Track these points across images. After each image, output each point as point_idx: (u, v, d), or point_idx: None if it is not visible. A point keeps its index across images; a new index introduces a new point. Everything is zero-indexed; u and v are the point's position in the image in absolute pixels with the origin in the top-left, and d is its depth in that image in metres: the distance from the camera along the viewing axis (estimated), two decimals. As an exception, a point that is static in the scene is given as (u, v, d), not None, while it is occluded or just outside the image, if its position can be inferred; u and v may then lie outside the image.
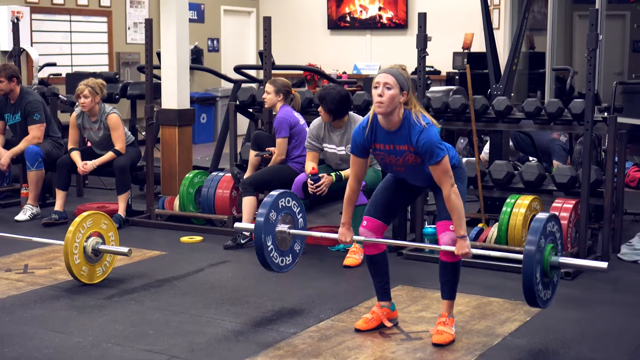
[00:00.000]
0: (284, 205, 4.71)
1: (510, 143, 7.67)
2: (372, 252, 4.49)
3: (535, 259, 4.00)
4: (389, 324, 4.54)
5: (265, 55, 6.91)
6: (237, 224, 5.09)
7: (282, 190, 4.75)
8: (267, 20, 6.85)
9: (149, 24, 7.16)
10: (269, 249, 4.62)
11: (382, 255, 4.51)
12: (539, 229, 4.06)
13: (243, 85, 8.37)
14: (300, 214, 4.83)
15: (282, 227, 4.69)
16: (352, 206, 4.45)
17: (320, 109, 6.11)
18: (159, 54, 7.74)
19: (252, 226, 4.71)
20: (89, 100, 7.01)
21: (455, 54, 12.64)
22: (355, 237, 4.49)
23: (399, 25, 13.81)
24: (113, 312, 4.81)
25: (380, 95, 4.10)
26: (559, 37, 11.92)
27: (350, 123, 6.11)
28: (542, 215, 4.15)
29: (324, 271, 5.73)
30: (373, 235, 4.43)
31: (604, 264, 4.21)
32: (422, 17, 6.27)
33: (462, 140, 9.19)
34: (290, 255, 4.80)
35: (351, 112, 6.22)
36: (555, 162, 7.61)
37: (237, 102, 7.39)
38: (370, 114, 4.25)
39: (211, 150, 9.52)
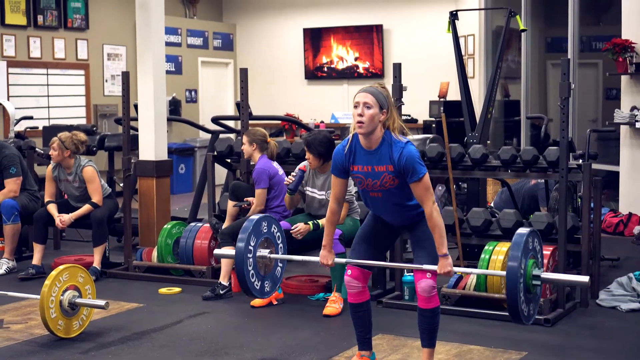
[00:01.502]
0: (264, 230, 4.66)
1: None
2: (357, 301, 4.47)
3: (519, 275, 4.00)
4: (370, 374, 4.52)
5: (242, 106, 6.95)
6: (216, 251, 5.02)
7: (262, 215, 4.72)
8: (244, 72, 6.90)
9: (125, 76, 7.19)
10: (250, 274, 4.56)
11: (367, 304, 4.50)
12: (521, 244, 4.05)
13: (221, 135, 8.39)
14: (281, 239, 4.78)
15: (263, 252, 4.65)
16: (333, 227, 4.46)
17: (308, 155, 6.09)
18: (136, 106, 7.75)
19: (232, 252, 4.64)
20: (56, 154, 7.04)
21: (431, 103, 12.76)
22: (337, 260, 4.48)
23: (376, 74, 13.94)
24: (90, 367, 4.76)
25: (361, 115, 4.13)
26: (533, 85, 12.07)
27: None
28: (522, 231, 4.13)
29: (303, 320, 5.70)
30: (359, 284, 4.43)
31: (585, 278, 4.19)
32: (397, 67, 6.34)
33: (440, 188, 9.23)
34: (271, 280, 4.74)
35: None
36: (542, 209, 7.64)
37: (215, 153, 7.40)
38: (350, 134, 4.27)
39: (190, 200, 9.51)
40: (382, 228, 4.46)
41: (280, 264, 4.82)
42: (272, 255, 4.69)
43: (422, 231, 4.33)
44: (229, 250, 4.83)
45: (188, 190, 13.13)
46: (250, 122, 7.10)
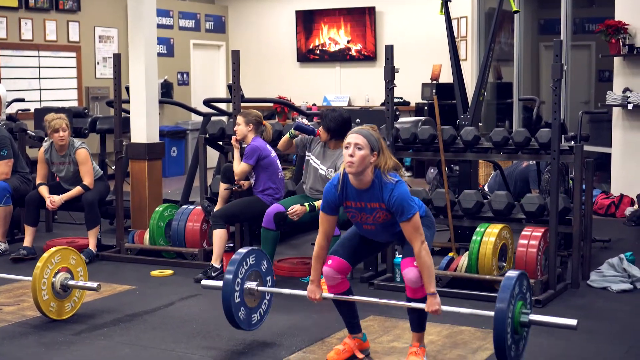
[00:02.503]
0: (251, 262, 4.71)
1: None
2: (337, 292, 4.47)
3: (507, 317, 4.04)
4: (360, 355, 4.54)
5: (234, 88, 6.93)
6: (203, 282, 5.03)
7: (250, 248, 4.76)
8: (236, 54, 6.87)
9: (117, 58, 7.16)
10: (237, 305, 4.62)
11: (347, 294, 4.49)
12: (510, 287, 4.09)
13: (213, 118, 8.37)
14: (268, 273, 4.84)
15: (250, 285, 4.69)
16: (321, 263, 4.43)
17: (320, 127, 6.15)
18: (127, 89, 7.73)
19: (220, 283, 4.68)
20: (66, 134, 7.03)
21: (424, 85, 12.75)
22: (325, 295, 4.48)
23: (368, 57, 13.92)
24: (82, 348, 4.76)
25: (351, 156, 4.17)
26: (526, 67, 12.06)
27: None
28: (512, 274, 4.18)
29: (295, 303, 5.69)
30: (337, 275, 4.41)
31: (573, 322, 4.21)
32: (389, 49, 6.33)
33: (432, 170, 9.24)
34: (259, 313, 4.81)
35: None
36: (534, 191, 7.65)
37: (207, 135, 7.39)
38: (340, 172, 4.30)
39: (182, 183, 9.50)
40: (371, 241, 4.51)
41: (267, 297, 4.85)
42: (260, 288, 4.73)
43: None
44: (217, 282, 4.85)
45: (180, 173, 13.13)
46: (242, 104, 7.08)
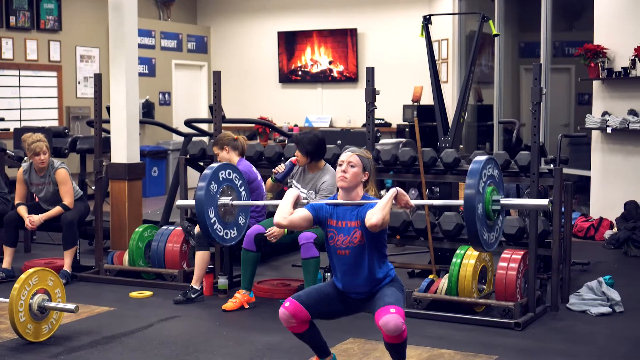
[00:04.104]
0: (224, 177, 4.54)
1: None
2: (299, 331, 4.39)
3: (477, 201, 3.88)
4: (336, 377, 4.52)
5: (215, 109, 6.93)
6: (178, 202, 4.92)
7: (222, 162, 4.62)
8: (217, 75, 6.88)
9: (97, 78, 7.14)
10: (212, 221, 4.44)
11: (310, 330, 4.41)
12: (478, 171, 3.95)
13: (194, 138, 8.37)
14: (242, 186, 4.66)
15: (224, 200, 4.53)
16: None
17: (297, 152, 6.18)
18: (108, 108, 7.71)
19: (193, 202, 4.45)
20: (47, 157, 6.99)
21: (405, 107, 12.79)
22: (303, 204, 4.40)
23: (350, 78, 13.96)
24: (59, 371, 4.72)
25: (344, 172, 4.31)
26: (506, 90, 12.13)
27: (323, 172, 6.17)
28: (480, 157, 4.06)
29: (275, 324, 5.64)
30: (292, 319, 4.31)
31: (544, 201, 4.04)
32: (370, 71, 6.35)
33: (413, 192, 9.27)
34: (235, 229, 4.62)
35: (327, 164, 6.27)
36: (512, 212, 7.66)
37: (188, 156, 7.38)
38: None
39: (163, 203, 9.47)
40: (344, 297, 4.42)
41: (242, 213, 4.68)
42: (234, 202, 4.54)
43: (383, 292, 4.29)
44: (189, 201, 4.66)
45: (161, 193, 13.07)
46: (224, 124, 7.08)
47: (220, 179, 4.53)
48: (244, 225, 4.74)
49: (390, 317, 4.08)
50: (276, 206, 4.33)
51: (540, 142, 5.89)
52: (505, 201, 4.08)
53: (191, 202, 4.53)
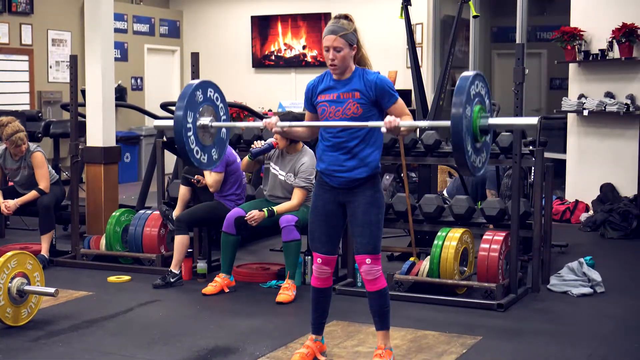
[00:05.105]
0: (203, 96, 4.29)
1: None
2: (323, 286, 4.46)
3: (464, 122, 3.66)
4: (322, 358, 4.51)
5: (193, 91, 6.83)
6: (156, 122, 4.79)
7: (200, 81, 4.32)
8: (195, 56, 6.79)
9: (73, 60, 7.02)
10: (192, 144, 4.21)
11: (330, 290, 4.50)
12: (465, 88, 3.68)
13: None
14: (222, 104, 4.43)
15: (204, 121, 4.28)
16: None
17: (276, 135, 6.03)
18: (83, 92, 7.61)
19: (171, 123, 4.23)
20: (25, 146, 6.88)
21: (380, 91, 12.73)
22: (280, 123, 4.27)
23: (324, 63, 13.85)
24: (40, 355, 4.65)
25: (333, 59, 4.23)
26: (480, 74, 12.13)
27: (301, 154, 6.10)
28: (467, 74, 3.77)
29: (256, 308, 5.65)
30: (329, 270, 4.41)
31: (534, 120, 3.88)
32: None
33: (387, 177, 9.23)
34: (216, 150, 4.41)
35: (306, 146, 6.21)
36: (488, 192, 7.66)
37: (165, 139, 7.30)
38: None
39: (135, 189, 9.38)
40: (331, 207, 4.37)
41: (222, 134, 4.47)
42: (214, 124, 4.31)
43: (363, 211, 4.26)
44: (167, 122, 4.47)
45: (133, 179, 12.96)
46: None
47: (198, 99, 4.26)
48: (226, 139, 4.50)
49: (366, 266, 4.27)
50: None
51: (521, 124, 5.87)
52: (493, 120, 3.89)
53: (169, 122, 4.33)
